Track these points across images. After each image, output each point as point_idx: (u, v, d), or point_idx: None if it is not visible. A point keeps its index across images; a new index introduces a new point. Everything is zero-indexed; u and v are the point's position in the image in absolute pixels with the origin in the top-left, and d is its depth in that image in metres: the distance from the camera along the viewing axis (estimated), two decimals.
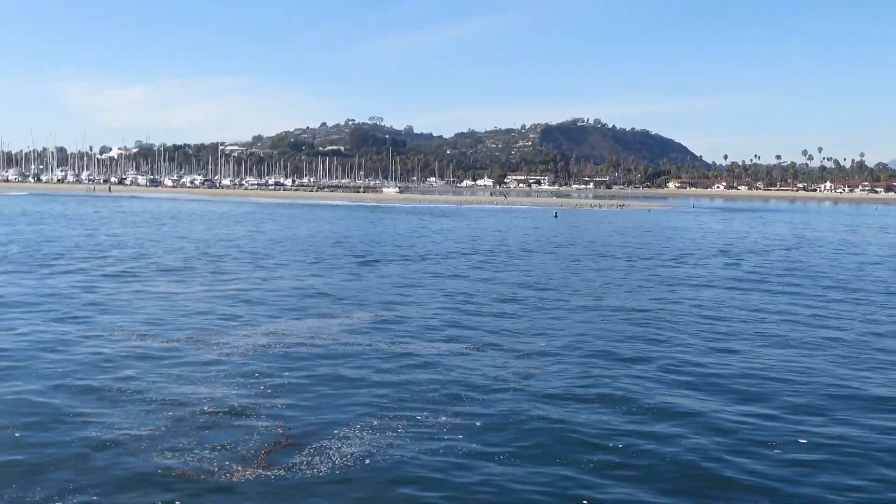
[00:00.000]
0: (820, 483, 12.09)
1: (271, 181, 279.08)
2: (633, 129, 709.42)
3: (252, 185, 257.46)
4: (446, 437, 13.72)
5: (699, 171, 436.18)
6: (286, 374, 17.74)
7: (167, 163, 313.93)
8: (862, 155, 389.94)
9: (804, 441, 13.90)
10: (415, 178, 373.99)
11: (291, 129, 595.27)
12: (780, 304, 29.92)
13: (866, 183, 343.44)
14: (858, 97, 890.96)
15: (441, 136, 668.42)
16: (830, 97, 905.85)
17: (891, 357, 20.81)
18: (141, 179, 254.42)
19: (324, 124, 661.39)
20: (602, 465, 12.63)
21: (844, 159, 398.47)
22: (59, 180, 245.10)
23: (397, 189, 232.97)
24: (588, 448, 13.37)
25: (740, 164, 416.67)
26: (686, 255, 51.24)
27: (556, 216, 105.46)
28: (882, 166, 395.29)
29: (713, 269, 42.58)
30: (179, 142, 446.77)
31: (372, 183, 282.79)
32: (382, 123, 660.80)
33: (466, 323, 24.69)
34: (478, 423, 14.53)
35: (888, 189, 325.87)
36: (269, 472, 12.00)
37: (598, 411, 15.44)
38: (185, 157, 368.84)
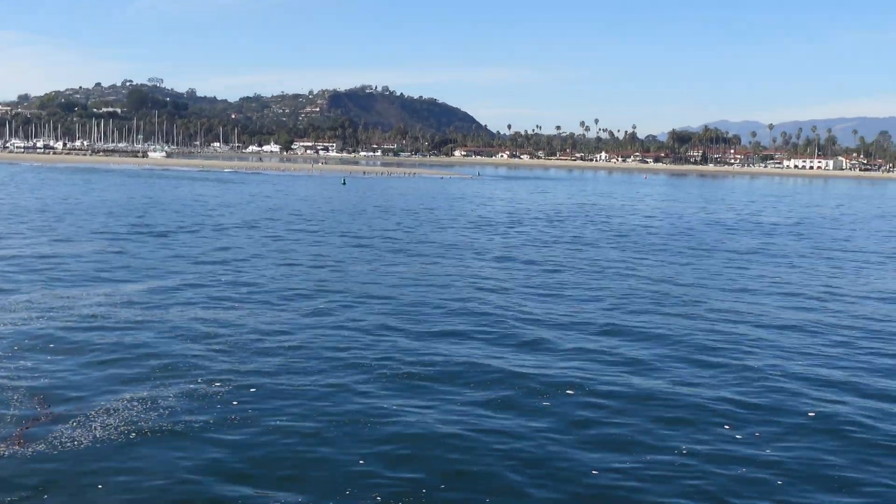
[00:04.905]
0: None
1: (40, 144, 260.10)
2: (420, 97, 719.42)
3: (18, 147, 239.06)
4: (218, 403, 13.56)
5: (484, 140, 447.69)
6: (51, 346, 16.84)
7: None
8: (634, 127, 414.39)
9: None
10: (197, 142, 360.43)
11: (62, 90, 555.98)
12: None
13: (638, 153, 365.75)
14: (633, 74, 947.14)
15: (226, 101, 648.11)
16: (607, 73, 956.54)
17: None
18: None
19: (98, 85, 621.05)
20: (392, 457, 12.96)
21: (619, 131, 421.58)
22: None
23: (164, 153, 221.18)
24: (371, 426, 13.65)
25: (523, 133, 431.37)
26: (487, 222, 52.86)
27: (344, 183, 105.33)
28: (652, 138, 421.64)
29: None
30: None
31: (151, 147, 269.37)
32: (163, 86, 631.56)
33: (249, 293, 24.31)
34: (252, 389, 14.50)
35: (656, 160, 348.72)
36: (26, 449, 11.40)
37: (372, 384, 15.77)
38: None
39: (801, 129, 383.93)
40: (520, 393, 14.87)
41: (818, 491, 11.07)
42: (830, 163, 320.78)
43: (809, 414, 14.13)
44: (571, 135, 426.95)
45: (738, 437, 12.94)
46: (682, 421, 13.57)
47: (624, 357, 17.74)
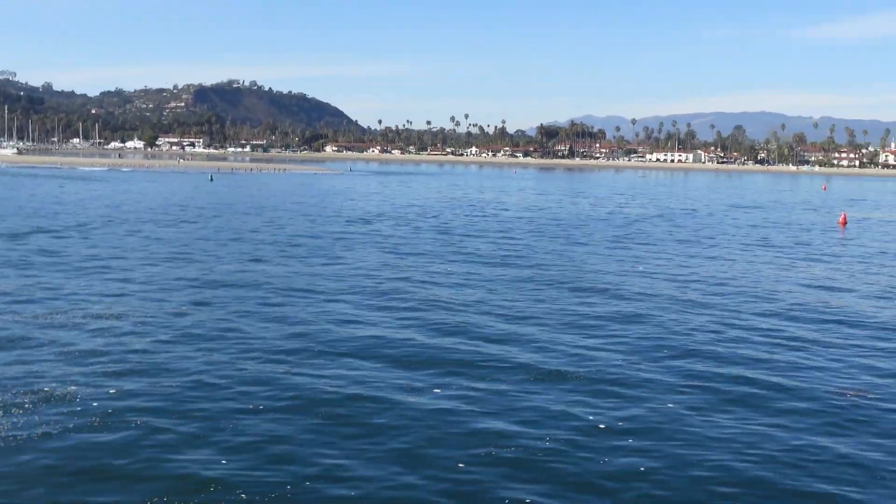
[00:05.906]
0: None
1: None
2: (290, 92, 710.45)
3: None
4: (77, 404, 12.88)
5: (355, 136, 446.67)
6: None
7: None
8: (504, 122, 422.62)
9: None
10: (55, 139, 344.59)
11: None
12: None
13: (507, 148, 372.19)
14: (502, 69, 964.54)
15: (85, 95, 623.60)
16: (477, 68, 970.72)
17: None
18: None
19: None
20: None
21: (489, 126, 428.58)
22: None
23: (15, 150, 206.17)
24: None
25: (394, 128, 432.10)
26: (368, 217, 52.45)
27: (211, 179, 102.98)
28: (521, 133, 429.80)
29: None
30: None
31: (2, 144, 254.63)
32: (16, 79, 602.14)
33: (117, 291, 23.31)
34: (112, 391, 13.82)
35: (526, 154, 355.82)
36: None
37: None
38: None
39: (662, 123, 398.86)
40: (411, 365, 14.90)
41: (687, 451, 11.39)
42: (690, 156, 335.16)
43: (677, 383, 14.65)
44: (442, 130, 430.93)
45: (606, 412, 13.23)
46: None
47: (498, 333, 18.27)
